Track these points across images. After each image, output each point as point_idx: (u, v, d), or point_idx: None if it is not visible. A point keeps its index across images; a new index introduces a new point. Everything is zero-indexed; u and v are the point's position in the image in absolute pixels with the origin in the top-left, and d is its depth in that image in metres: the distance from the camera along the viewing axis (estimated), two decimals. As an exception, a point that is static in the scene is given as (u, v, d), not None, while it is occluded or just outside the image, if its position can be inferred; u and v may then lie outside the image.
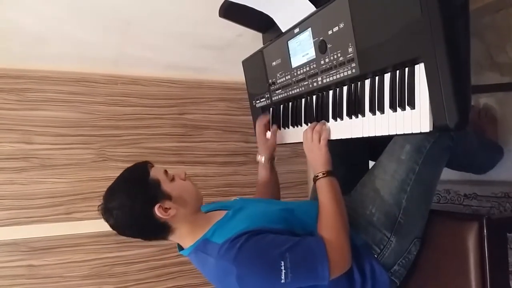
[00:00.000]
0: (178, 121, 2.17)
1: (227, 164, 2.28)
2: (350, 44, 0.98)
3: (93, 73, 1.99)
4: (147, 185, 0.99)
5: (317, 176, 1.08)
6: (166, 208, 0.99)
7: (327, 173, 1.07)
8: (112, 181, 1.03)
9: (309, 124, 1.21)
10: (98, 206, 1.01)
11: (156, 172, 1.02)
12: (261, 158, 1.40)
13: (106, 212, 0.99)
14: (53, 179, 1.89)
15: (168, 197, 1.00)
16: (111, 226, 1.00)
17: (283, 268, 0.89)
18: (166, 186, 1.01)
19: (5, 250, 1.79)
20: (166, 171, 1.04)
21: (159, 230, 1.03)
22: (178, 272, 2.08)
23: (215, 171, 2.24)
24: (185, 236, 1.05)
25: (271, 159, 1.41)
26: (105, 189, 1.02)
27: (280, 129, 1.43)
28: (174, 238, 1.06)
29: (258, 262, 0.91)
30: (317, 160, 1.10)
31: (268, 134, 1.42)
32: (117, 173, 1.04)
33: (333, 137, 1.12)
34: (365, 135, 1.01)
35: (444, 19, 0.76)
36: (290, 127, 1.36)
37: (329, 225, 1.00)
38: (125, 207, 0.97)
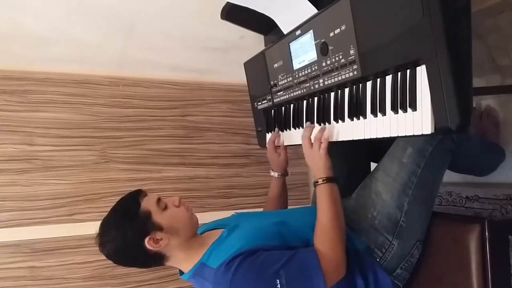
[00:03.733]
0: (180, 123, 2.17)
1: (229, 166, 2.27)
2: (351, 46, 0.98)
3: (95, 75, 1.99)
4: (137, 217, 0.99)
5: (317, 182, 1.08)
6: (157, 239, 0.99)
7: (327, 180, 1.06)
8: (108, 211, 1.05)
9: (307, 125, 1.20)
10: (95, 237, 1.02)
11: (147, 203, 1.02)
12: (274, 174, 1.43)
13: (101, 245, 1.00)
14: (55, 181, 1.89)
15: (159, 228, 0.99)
16: (106, 256, 1.01)
17: (279, 286, 0.90)
18: (157, 217, 1.00)
19: (7, 252, 1.79)
20: (159, 199, 1.04)
21: (152, 260, 1.03)
22: (179, 274, 2.08)
23: (216, 173, 2.24)
24: (182, 261, 1.05)
25: (284, 174, 1.44)
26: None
27: (282, 131, 1.43)
28: (171, 264, 1.06)
29: (254, 283, 0.92)
30: (317, 166, 1.09)
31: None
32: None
33: (335, 139, 1.12)
34: (367, 137, 1.01)
35: (445, 21, 0.76)
36: (292, 129, 1.36)
37: (325, 235, 1.00)
38: (116, 241, 0.98)
